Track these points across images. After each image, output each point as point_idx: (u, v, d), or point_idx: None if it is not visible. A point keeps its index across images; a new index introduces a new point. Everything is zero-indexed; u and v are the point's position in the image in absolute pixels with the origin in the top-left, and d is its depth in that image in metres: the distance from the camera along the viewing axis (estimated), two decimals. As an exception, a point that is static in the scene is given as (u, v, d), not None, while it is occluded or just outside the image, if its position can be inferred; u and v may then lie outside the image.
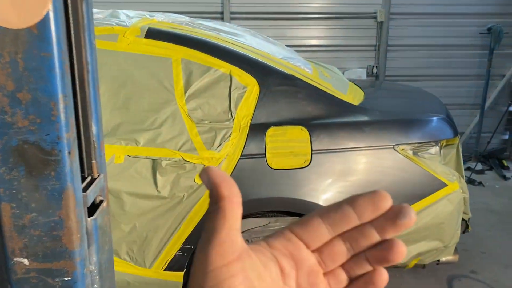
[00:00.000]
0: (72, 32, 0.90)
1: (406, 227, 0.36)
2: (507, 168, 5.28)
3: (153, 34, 2.20)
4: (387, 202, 0.36)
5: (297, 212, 2.22)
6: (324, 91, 2.29)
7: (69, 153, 0.83)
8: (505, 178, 4.97)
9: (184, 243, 2.14)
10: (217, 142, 2.12)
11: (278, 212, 2.28)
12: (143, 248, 2.16)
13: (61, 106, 0.80)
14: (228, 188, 0.34)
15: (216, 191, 0.34)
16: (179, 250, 2.16)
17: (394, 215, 0.36)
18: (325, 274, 0.40)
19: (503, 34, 5.10)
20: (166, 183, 2.09)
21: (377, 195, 0.37)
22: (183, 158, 2.09)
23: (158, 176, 2.08)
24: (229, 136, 2.13)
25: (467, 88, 5.64)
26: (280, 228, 0.41)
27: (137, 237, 2.14)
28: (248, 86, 2.17)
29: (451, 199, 2.28)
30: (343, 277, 0.40)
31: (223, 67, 2.17)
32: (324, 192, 2.15)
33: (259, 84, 2.18)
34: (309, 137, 2.16)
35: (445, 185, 2.26)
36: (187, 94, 2.15)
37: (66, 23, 0.85)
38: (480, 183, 4.73)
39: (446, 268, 2.99)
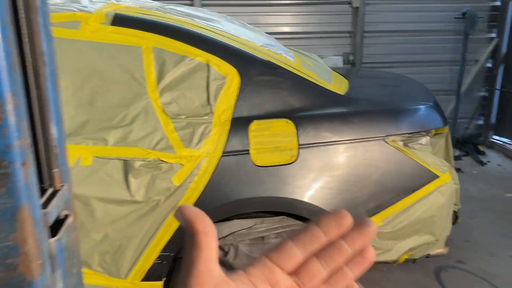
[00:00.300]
0: (23, 16, 0.75)
1: (371, 234, 0.42)
2: (482, 153, 5.31)
3: (120, 20, 1.99)
4: (348, 218, 0.42)
5: (285, 212, 2.06)
6: (309, 81, 2.13)
7: (23, 164, 0.70)
8: (481, 163, 4.98)
9: (163, 250, 1.96)
10: (196, 139, 1.93)
11: (264, 212, 2.12)
12: (117, 258, 1.97)
13: (10, 106, 0.66)
14: (202, 223, 0.38)
15: (191, 227, 0.38)
16: (157, 258, 1.97)
17: (358, 226, 0.42)
18: None
19: (478, 19, 5.08)
20: (140, 186, 1.89)
21: (339, 213, 0.42)
22: (158, 158, 1.90)
23: (131, 178, 1.88)
24: (209, 131, 1.95)
25: (442, 74, 5.63)
26: (256, 256, 0.44)
27: (110, 246, 1.95)
28: (228, 76, 1.99)
29: (442, 191, 2.18)
30: None
31: (200, 55, 1.98)
32: (313, 189, 2.00)
33: (239, 74, 2.00)
34: (296, 131, 2.00)
35: (437, 176, 2.16)
36: (160, 87, 1.96)
37: (12, 4, 0.71)
38: (458, 169, 4.71)
39: (433, 260, 2.93)
